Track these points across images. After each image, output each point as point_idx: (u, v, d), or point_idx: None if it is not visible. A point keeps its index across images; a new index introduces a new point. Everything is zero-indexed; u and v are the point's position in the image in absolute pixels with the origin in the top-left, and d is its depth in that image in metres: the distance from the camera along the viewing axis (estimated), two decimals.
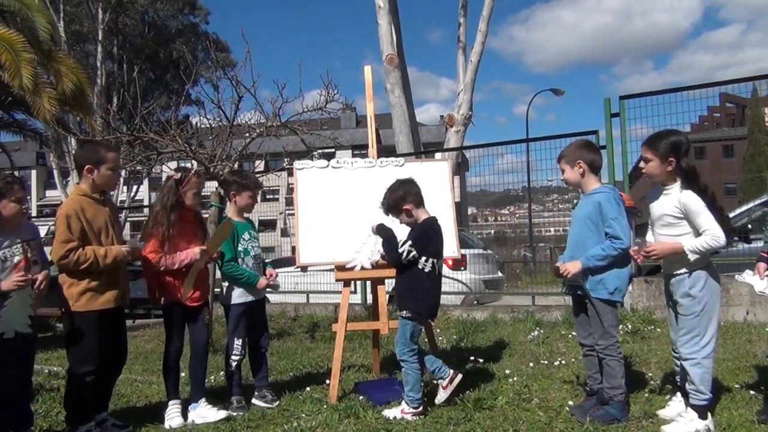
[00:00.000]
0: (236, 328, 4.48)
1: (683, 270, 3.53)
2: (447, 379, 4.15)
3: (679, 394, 3.77)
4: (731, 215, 8.75)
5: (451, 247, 4.92)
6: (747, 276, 3.76)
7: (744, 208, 9.34)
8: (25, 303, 3.59)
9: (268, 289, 4.74)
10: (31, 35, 9.99)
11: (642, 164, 3.66)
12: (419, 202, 4.12)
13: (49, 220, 16.82)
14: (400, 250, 4.05)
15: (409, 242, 4.05)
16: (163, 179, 4.27)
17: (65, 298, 3.75)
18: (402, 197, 4.10)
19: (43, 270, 3.66)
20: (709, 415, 3.51)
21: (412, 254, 4.03)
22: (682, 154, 3.50)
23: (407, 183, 4.15)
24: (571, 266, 3.82)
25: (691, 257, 3.45)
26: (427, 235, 4.09)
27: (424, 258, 4.06)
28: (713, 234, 3.38)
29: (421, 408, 4.05)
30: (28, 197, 4.01)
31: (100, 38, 25.95)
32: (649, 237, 3.80)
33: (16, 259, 3.58)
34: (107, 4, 26.07)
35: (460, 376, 4.15)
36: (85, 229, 3.74)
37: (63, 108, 10.86)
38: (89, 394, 3.82)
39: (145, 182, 29.53)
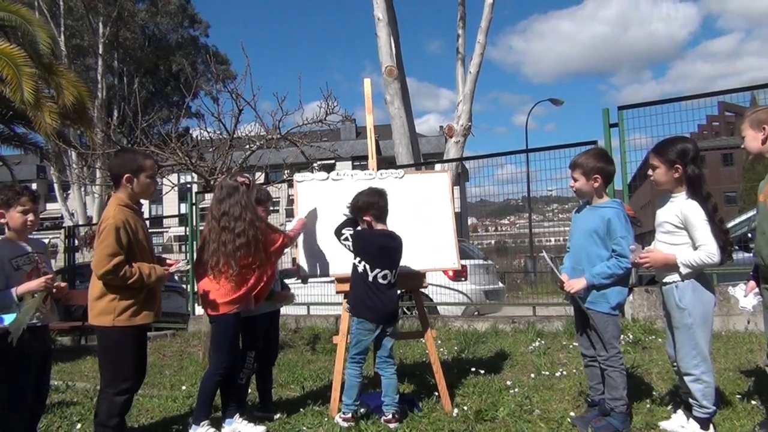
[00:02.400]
0: (250, 340, 4.47)
1: (672, 279, 3.54)
2: (384, 419, 4.15)
3: (681, 408, 3.74)
4: (731, 224, 8.77)
5: (450, 258, 4.93)
6: (738, 290, 3.75)
7: (744, 217, 9.35)
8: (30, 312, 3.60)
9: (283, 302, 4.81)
10: (32, 49, 10.04)
11: (650, 172, 3.66)
12: (379, 217, 4.28)
13: (50, 232, 16.83)
14: (342, 230, 4.35)
15: (351, 232, 4.30)
16: (222, 188, 4.18)
17: (98, 312, 3.62)
18: (365, 207, 4.27)
19: None
20: (711, 426, 3.50)
21: (347, 242, 4.30)
22: (688, 160, 3.49)
23: (376, 196, 4.28)
24: (576, 283, 3.80)
25: (683, 270, 3.45)
26: (366, 241, 4.26)
27: (358, 258, 4.22)
28: (708, 251, 3.38)
29: (350, 415, 4.13)
30: (40, 210, 4.00)
31: (100, 52, 26.09)
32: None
33: (28, 268, 3.63)
34: (108, 18, 26.24)
35: (394, 426, 4.09)
36: (132, 242, 3.62)
37: (64, 122, 10.89)
38: (125, 412, 3.74)
39: None
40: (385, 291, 4.20)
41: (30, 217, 3.67)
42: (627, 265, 3.69)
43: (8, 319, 3.43)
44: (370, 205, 4.24)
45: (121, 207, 3.66)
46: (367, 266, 4.18)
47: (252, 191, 4.28)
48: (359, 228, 4.34)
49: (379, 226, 4.28)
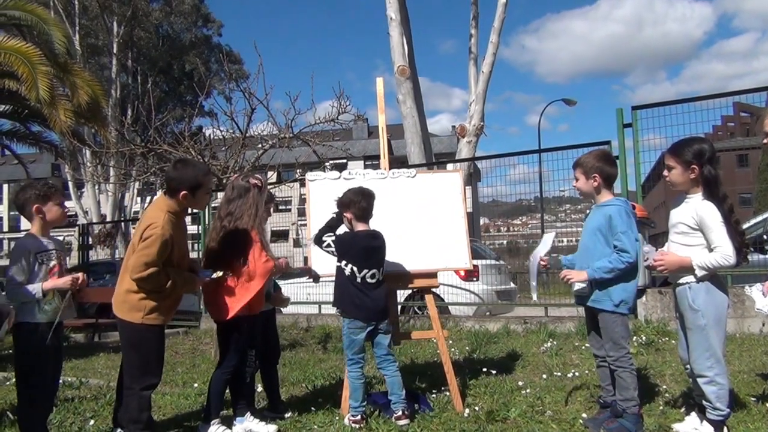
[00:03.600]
0: (250, 339, 4.48)
1: (686, 280, 3.51)
2: (394, 416, 4.16)
3: (695, 410, 3.69)
4: (746, 226, 8.70)
5: (462, 258, 4.92)
6: (755, 291, 3.70)
7: (759, 218, 9.28)
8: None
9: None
10: (47, 48, 10.11)
11: (665, 173, 3.63)
12: (361, 217, 4.27)
13: (64, 230, 16.95)
14: (323, 237, 4.33)
15: (332, 238, 4.30)
16: (234, 188, 4.20)
17: (128, 308, 3.63)
18: (347, 205, 4.28)
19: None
20: (725, 429, 3.47)
21: (330, 249, 4.31)
22: (705, 161, 3.46)
23: (359, 195, 4.28)
24: (575, 274, 3.81)
25: (699, 273, 3.43)
26: (348, 243, 4.27)
27: (344, 261, 4.23)
28: (724, 253, 3.35)
29: (359, 417, 4.13)
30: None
31: (115, 51, 26.29)
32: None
33: (52, 263, 3.70)
34: (122, 17, 26.43)
35: (403, 422, 4.10)
36: (171, 252, 3.64)
37: (78, 120, 10.96)
38: (150, 408, 3.75)
39: (159, 194, 29.75)
40: (374, 290, 4.23)
41: (66, 209, 3.79)
42: (629, 260, 3.66)
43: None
44: (351, 203, 4.26)
45: (170, 216, 3.65)
46: (355, 268, 4.20)
47: (263, 193, 4.28)
48: (339, 232, 4.35)
49: (360, 226, 4.29)
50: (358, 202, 4.24)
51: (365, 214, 4.28)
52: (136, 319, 3.60)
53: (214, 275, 3.91)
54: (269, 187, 8.12)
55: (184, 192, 3.69)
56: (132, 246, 3.65)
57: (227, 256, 4.03)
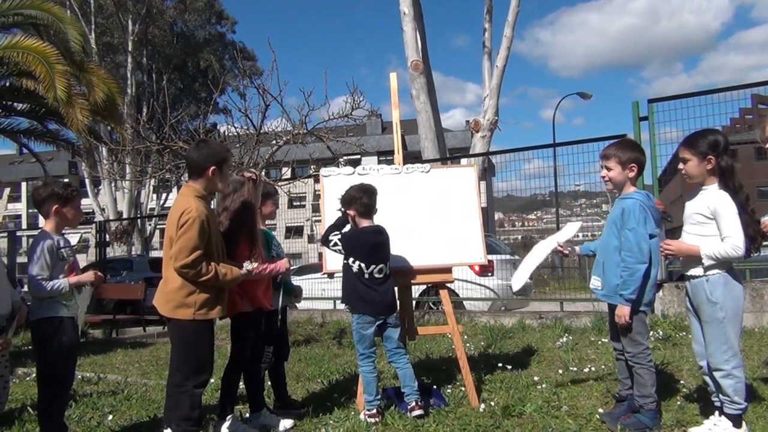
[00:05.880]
0: (267, 335, 4.50)
1: (700, 273, 3.48)
2: (408, 407, 4.18)
3: (717, 413, 3.63)
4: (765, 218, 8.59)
5: (477, 253, 4.91)
6: None
7: None
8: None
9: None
10: (63, 47, 10.18)
11: (681, 165, 3.60)
12: (364, 213, 4.28)
13: (81, 227, 17.10)
14: (329, 237, 4.38)
15: (339, 236, 4.35)
16: (228, 183, 4.06)
17: (177, 305, 3.52)
18: (349, 202, 4.30)
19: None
20: (743, 423, 3.44)
21: (337, 247, 4.37)
22: (720, 151, 3.44)
23: (361, 192, 4.28)
24: (621, 313, 3.68)
25: (706, 262, 3.40)
26: (353, 240, 4.30)
27: (351, 259, 4.25)
28: (733, 243, 3.32)
29: (374, 411, 4.16)
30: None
31: (130, 49, 26.46)
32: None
33: (71, 260, 3.78)
34: (137, 15, 26.60)
35: (417, 413, 4.11)
36: (210, 237, 3.53)
37: (94, 118, 11.04)
38: (200, 405, 3.68)
39: (174, 190, 29.98)
40: (382, 284, 4.27)
41: (81, 213, 3.89)
42: (635, 257, 3.61)
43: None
44: (353, 201, 4.27)
45: (199, 199, 3.56)
46: (362, 265, 4.22)
47: (259, 186, 4.25)
48: (345, 230, 4.37)
49: (365, 223, 4.30)
50: (360, 199, 4.26)
51: (368, 211, 4.29)
52: (188, 316, 3.50)
53: (250, 267, 3.80)
54: (282, 183, 8.17)
55: (213, 167, 3.61)
56: (168, 240, 3.52)
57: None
